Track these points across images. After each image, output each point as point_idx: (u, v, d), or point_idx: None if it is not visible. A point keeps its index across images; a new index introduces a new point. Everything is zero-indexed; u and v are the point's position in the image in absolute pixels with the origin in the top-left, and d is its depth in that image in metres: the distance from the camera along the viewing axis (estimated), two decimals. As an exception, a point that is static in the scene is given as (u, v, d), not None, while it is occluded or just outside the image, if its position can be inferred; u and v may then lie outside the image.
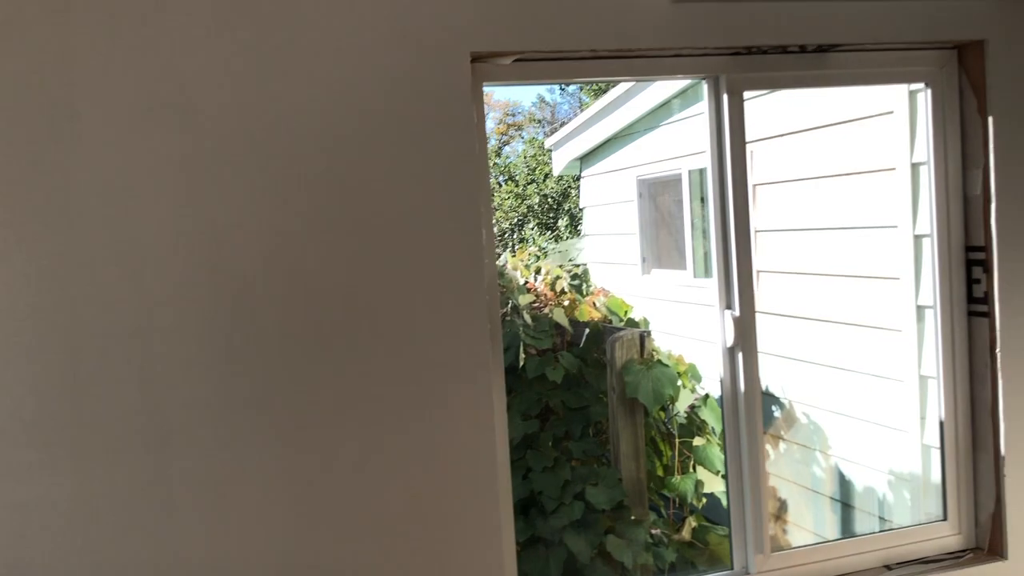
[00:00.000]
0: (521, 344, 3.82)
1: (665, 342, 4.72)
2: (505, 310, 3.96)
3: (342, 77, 2.08)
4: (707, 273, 5.32)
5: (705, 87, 2.50)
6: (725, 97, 2.45)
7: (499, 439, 2.26)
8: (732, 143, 2.46)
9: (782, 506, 4.34)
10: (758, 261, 4.73)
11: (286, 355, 2.07)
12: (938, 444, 2.70)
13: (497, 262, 4.63)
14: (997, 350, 2.56)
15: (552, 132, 11.42)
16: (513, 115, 17.71)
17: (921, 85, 2.62)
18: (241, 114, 2.02)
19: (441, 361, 2.16)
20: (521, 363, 3.83)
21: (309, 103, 2.07)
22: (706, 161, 2.52)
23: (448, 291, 2.17)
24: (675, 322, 5.40)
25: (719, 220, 2.51)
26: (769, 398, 4.45)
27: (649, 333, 3.70)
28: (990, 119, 2.52)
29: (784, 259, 4.50)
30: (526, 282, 4.42)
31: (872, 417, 3.74)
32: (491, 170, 13.18)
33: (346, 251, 2.11)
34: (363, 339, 2.12)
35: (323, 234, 2.09)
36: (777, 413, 4.43)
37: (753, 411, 2.51)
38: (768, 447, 4.47)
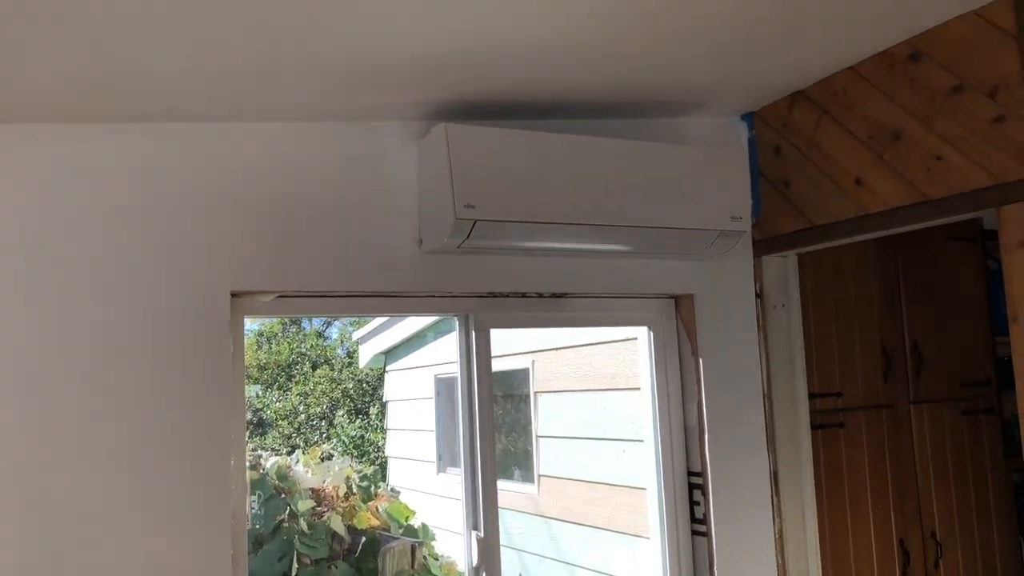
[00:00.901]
0: (295, 553, 3.79)
1: (453, 545, 4.80)
2: (282, 517, 3.95)
3: (106, 309, 2.19)
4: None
5: (456, 322, 2.77)
6: (474, 333, 2.73)
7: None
8: (479, 374, 2.71)
9: None
10: (540, 466, 4.98)
11: (9, 589, 2.02)
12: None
13: (288, 460, 4.60)
14: (715, 567, 2.84)
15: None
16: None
17: (645, 329, 3.01)
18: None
19: (178, 591, 2.18)
20: (294, 572, 3.79)
21: (68, 330, 2.15)
22: (458, 391, 2.76)
23: (192, 522, 2.22)
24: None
25: (467, 444, 2.72)
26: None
27: (422, 543, 3.78)
28: (701, 360, 2.92)
29: (562, 464, 4.77)
30: (311, 488, 4.43)
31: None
32: (309, 352, 13.14)
33: (93, 478, 2.13)
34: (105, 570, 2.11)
35: (71, 462, 2.12)
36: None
37: (496, 631, 2.63)
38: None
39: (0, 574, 2.06)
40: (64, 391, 2.14)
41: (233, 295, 2.36)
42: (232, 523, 2.28)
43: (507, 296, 2.74)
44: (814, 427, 3.07)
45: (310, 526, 3.92)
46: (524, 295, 2.76)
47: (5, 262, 2.13)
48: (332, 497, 4.55)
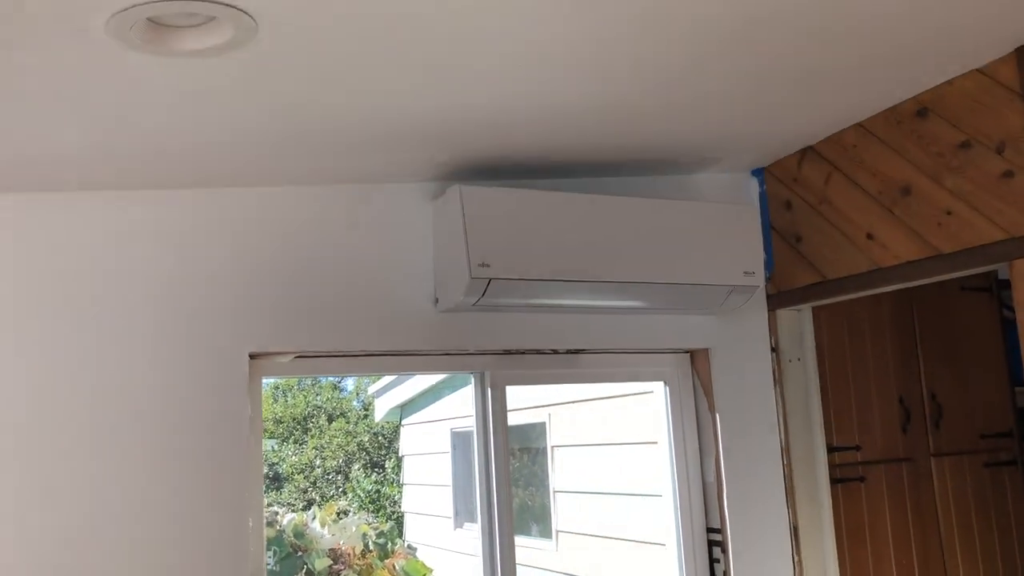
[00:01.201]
0: (312, 613, 3.76)
1: (469, 601, 4.74)
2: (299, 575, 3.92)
3: (126, 371, 2.22)
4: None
5: (473, 379, 2.78)
6: (490, 390, 2.74)
7: None
8: (495, 430, 2.71)
9: None
10: (558, 521, 4.94)
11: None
12: None
13: (305, 516, 4.59)
14: (736, 626, 2.81)
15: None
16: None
17: (661, 383, 3.01)
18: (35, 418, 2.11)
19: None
20: (311, 633, 3.76)
21: (90, 395, 2.18)
22: (475, 447, 2.76)
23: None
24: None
25: (484, 501, 2.71)
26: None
27: (438, 602, 3.74)
28: (718, 415, 2.91)
29: (580, 519, 4.73)
30: (331, 548, 4.40)
31: None
32: (324, 405, 13.13)
33: (113, 539, 2.15)
34: (115, 634, 2.11)
35: (91, 523, 2.13)
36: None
37: None
38: None
39: (19, 639, 2.06)
40: (84, 452, 2.16)
41: (251, 356, 2.38)
42: (250, 585, 2.28)
43: (523, 353, 2.76)
44: (834, 481, 3.05)
45: (327, 585, 3.89)
46: (540, 352, 2.78)
47: (27, 325, 2.18)
48: (349, 555, 4.52)
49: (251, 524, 2.31)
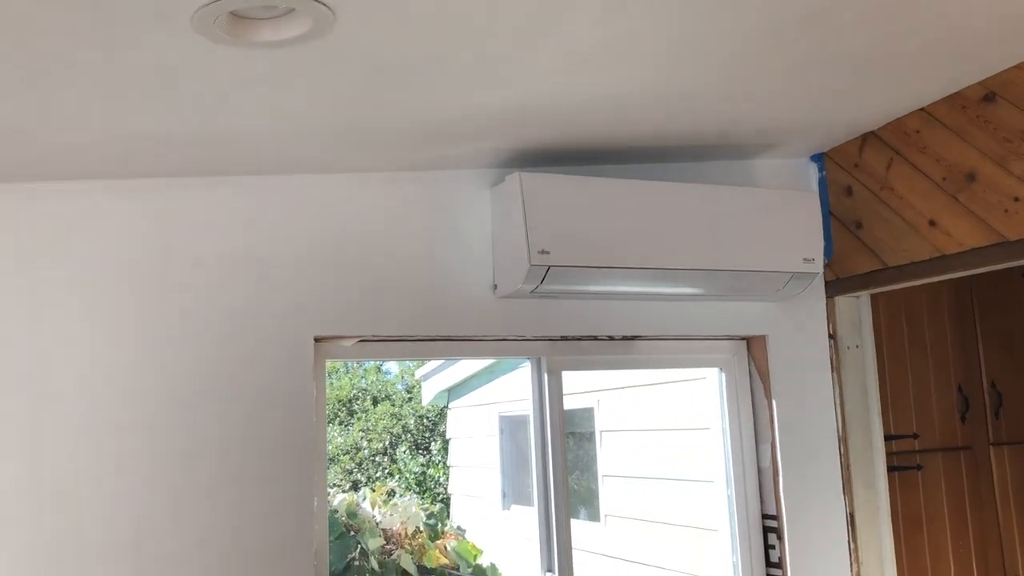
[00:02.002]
0: (367, 591, 3.84)
1: (518, 582, 4.80)
2: (353, 555, 4.00)
3: (197, 353, 2.29)
4: (560, 512, 5.49)
5: (529, 365, 2.81)
6: (546, 375, 2.76)
7: None
8: (551, 415, 2.74)
9: None
10: (606, 505, 4.96)
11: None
12: None
13: (355, 496, 4.67)
14: (792, 612, 2.81)
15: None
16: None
17: (716, 370, 3.01)
18: (104, 386, 2.19)
19: (264, 629, 2.24)
20: (366, 611, 3.84)
21: (161, 372, 2.25)
22: (531, 432, 2.79)
23: (279, 559, 2.28)
24: (531, 559, 5.48)
25: (540, 484, 2.74)
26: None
27: (490, 583, 3.80)
28: (774, 402, 2.91)
29: (628, 504, 4.75)
30: (379, 523, 4.48)
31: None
32: (369, 387, 13.29)
33: (185, 518, 2.22)
34: (188, 607, 2.19)
35: (163, 504, 2.21)
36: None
37: (571, 674, 2.64)
38: None
39: (97, 610, 2.14)
40: (156, 433, 2.23)
41: (316, 340, 2.44)
42: (315, 563, 2.34)
43: (579, 339, 2.78)
44: (891, 469, 3.03)
45: (381, 564, 3.97)
46: (596, 338, 2.79)
47: (98, 308, 2.25)
48: (400, 535, 4.60)
49: (316, 503, 2.37)
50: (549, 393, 2.75)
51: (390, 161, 2.48)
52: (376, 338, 2.54)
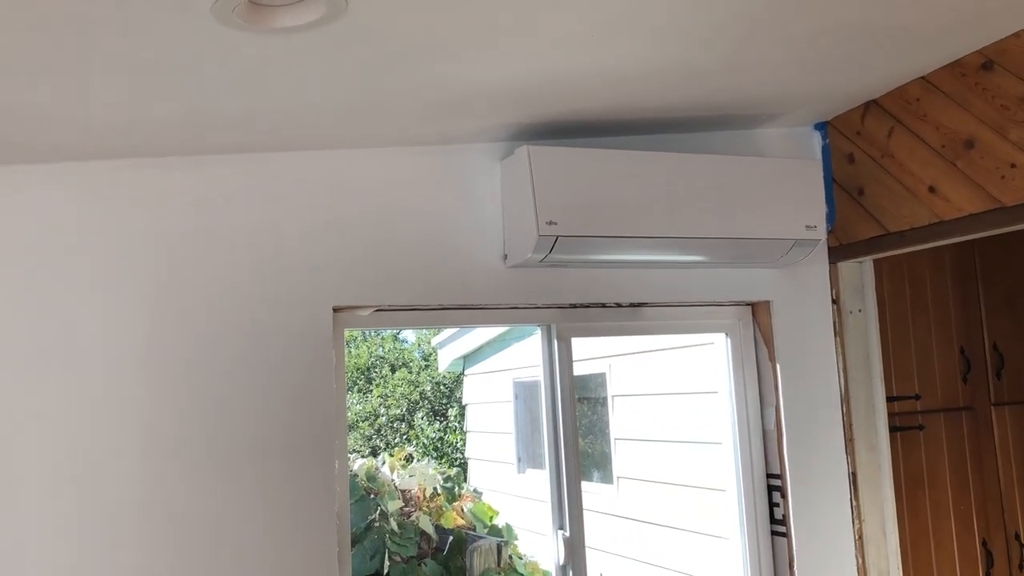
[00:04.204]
0: (386, 551, 3.98)
1: (534, 544, 4.94)
2: (373, 516, 4.14)
3: (219, 323, 2.39)
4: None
5: (539, 332, 2.91)
6: (556, 342, 2.86)
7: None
8: (562, 381, 2.84)
9: None
10: (618, 467, 5.08)
11: (143, 580, 2.24)
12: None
13: (375, 461, 4.82)
14: (795, 568, 2.92)
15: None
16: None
17: (723, 335, 3.09)
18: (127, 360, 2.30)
19: (291, 584, 2.37)
20: (386, 570, 3.98)
21: (185, 342, 2.36)
22: (542, 397, 2.89)
23: (302, 522, 2.41)
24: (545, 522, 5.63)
25: (552, 448, 2.85)
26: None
27: (507, 542, 3.93)
28: (778, 366, 2.99)
29: (639, 466, 4.86)
30: (397, 486, 4.62)
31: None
32: (387, 355, 13.46)
33: (210, 483, 2.34)
34: (221, 567, 2.32)
35: (190, 469, 2.33)
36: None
37: (583, 625, 2.76)
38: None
39: (129, 571, 2.27)
40: (183, 402, 2.35)
41: (335, 310, 2.54)
42: (336, 523, 2.46)
43: (588, 307, 2.87)
44: (893, 429, 3.12)
45: (400, 526, 4.11)
46: (604, 305, 2.88)
47: (125, 284, 2.35)
48: (418, 498, 4.74)
49: (337, 467, 2.49)
50: (559, 359, 2.85)
51: (403, 136, 2.56)
52: (392, 307, 2.64)
